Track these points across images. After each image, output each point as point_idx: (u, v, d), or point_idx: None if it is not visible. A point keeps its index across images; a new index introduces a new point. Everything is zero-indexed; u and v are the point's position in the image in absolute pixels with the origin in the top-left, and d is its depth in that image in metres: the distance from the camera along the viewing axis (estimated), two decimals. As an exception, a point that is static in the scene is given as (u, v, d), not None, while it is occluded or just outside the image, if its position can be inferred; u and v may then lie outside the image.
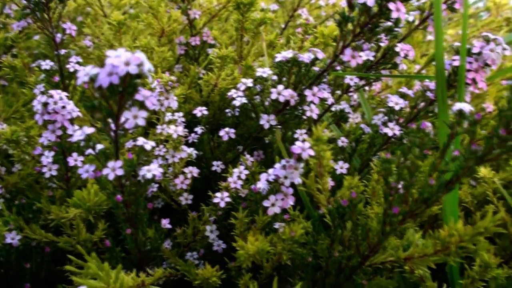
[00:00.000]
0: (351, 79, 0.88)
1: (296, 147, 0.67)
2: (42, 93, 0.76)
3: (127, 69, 0.52)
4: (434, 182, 0.56)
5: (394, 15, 0.65)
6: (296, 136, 0.84)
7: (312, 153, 0.67)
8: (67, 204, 0.84)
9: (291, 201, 0.72)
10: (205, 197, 0.92)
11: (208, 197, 0.87)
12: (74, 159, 0.83)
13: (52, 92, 0.77)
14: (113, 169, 0.63)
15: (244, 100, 0.86)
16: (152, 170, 0.68)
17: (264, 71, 0.80)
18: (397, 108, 0.84)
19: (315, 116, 0.80)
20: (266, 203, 0.71)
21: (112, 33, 1.19)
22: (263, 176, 0.72)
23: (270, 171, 0.73)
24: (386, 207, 0.62)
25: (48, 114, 0.77)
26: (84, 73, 0.55)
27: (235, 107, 0.88)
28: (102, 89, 0.55)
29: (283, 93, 0.77)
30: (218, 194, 0.80)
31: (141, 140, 0.68)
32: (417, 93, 0.86)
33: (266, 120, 0.82)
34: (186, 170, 0.90)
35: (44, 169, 0.83)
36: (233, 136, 0.90)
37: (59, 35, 1.01)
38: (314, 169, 0.69)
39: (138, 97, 0.56)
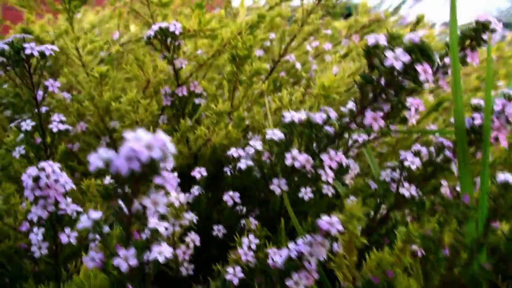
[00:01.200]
0: (359, 135, 0.84)
1: (324, 223, 0.62)
2: (32, 165, 0.68)
3: (150, 154, 0.46)
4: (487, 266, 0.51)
5: (421, 77, 0.61)
6: (301, 195, 0.79)
7: (341, 228, 0.61)
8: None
9: (315, 277, 0.66)
10: (205, 265, 0.85)
11: (209, 265, 0.81)
12: (67, 235, 0.76)
13: (43, 164, 0.69)
14: (126, 258, 0.56)
15: (249, 162, 0.81)
16: (164, 252, 0.61)
17: (274, 133, 0.75)
18: (413, 167, 0.80)
19: (331, 181, 0.75)
20: (289, 283, 0.66)
21: (93, 85, 1.13)
22: (284, 252, 0.66)
23: (292, 246, 0.67)
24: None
25: (39, 189, 0.69)
26: (97, 157, 0.49)
27: (238, 169, 0.82)
28: (118, 175, 0.48)
29: (299, 158, 0.72)
30: (230, 270, 0.73)
31: (153, 222, 0.61)
32: (436, 149, 0.82)
33: (277, 185, 0.77)
34: (187, 238, 0.83)
35: (33, 248, 0.74)
36: (238, 200, 0.84)
37: (40, 93, 0.93)
38: (343, 245, 0.63)
39: (158, 181, 0.50)
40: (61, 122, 0.95)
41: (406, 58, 0.60)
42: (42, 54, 0.88)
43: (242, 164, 0.81)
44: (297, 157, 0.72)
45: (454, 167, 0.80)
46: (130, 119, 1.07)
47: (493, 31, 0.76)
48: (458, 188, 0.82)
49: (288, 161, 0.72)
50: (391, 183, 0.85)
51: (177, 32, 1.07)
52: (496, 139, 0.72)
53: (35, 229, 0.75)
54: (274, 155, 0.76)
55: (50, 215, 0.73)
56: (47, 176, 0.68)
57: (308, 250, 0.64)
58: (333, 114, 0.74)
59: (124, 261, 0.56)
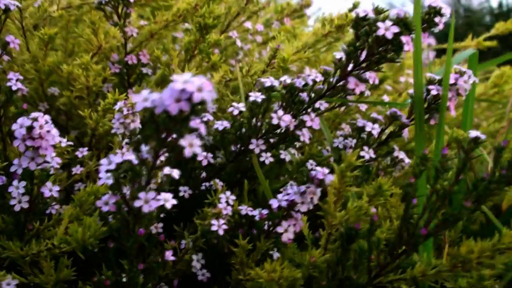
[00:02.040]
0: (320, 104, 0.91)
1: (318, 173, 0.68)
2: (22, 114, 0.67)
3: (202, 96, 0.49)
4: (469, 204, 0.60)
5: (406, 47, 0.69)
6: (282, 156, 0.86)
7: (332, 178, 0.69)
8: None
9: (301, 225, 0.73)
10: (174, 224, 0.88)
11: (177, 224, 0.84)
12: (49, 189, 0.75)
13: (35, 114, 0.68)
14: (147, 200, 0.58)
15: (226, 124, 0.85)
16: (169, 200, 0.64)
17: (257, 96, 0.80)
18: (374, 132, 0.89)
19: (307, 140, 0.82)
20: (280, 229, 0.71)
21: (39, 48, 1.09)
22: (274, 202, 0.72)
23: (280, 196, 0.73)
24: (406, 229, 0.66)
25: (31, 139, 0.68)
26: (143, 98, 0.51)
27: (215, 130, 0.86)
28: (162, 116, 0.51)
29: (284, 118, 0.78)
30: (214, 222, 0.77)
31: (167, 169, 0.63)
32: (387, 117, 0.92)
33: (256, 145, 0.82)
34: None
35: (13, 201, 0.73)
36: (212, 161, 0.88)
37: (-2, 50, 0.89)
38: (334, 194, 0.70)
39: (193, 124, 0.53)
40: (18, 80, 0.92)
41: (396, 29, 0.68)
42: (7, 9, 0.86)
43: (219, 126, 0.85)
44: (282, 117, 0.78)
45: (405, 134, 0.91)
46: (82, 84, 1.06)
47: (443, 15, 0.87)
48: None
49: (275, 121, 0.78)
50: (346, 149, 0.94)
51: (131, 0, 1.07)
52: (448, 108, 0.83)
53: (15, 182, 0.73)
54: (255, 116, 0.81)
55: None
56: (41, 127, 0.68)
57: (299, 199, 0.70)
58: (309, 80, 0.81)
59: (145, 203, 0.58)
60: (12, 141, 0.96)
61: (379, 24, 0.68)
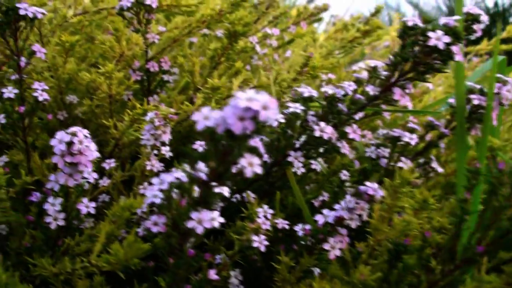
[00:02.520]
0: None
1: (368, 188, 0.66)
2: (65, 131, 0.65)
3: (267, 114, 0.47)
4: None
5: (456, 58, 0.67)
6: (313, 166, 0.84)
7: (382, 194, 0.67)
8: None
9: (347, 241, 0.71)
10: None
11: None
12: (85, 206, 0.73)
13: (74, 129, 0.65)
14: (200, 221, 0.56)
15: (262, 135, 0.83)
16: (216, 218, 0.62)
17: (297, 107, 0.78)
18: (412, 143, 0.87)
19: (347, 152, 0.80)
20: (326, 246, 0.69)
21: (59, 55, 1.07)
22: (320, 218, 0.70)
23: (326, 212, 0.71)
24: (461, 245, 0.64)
25: (71, 155, 0.65)
26: (204, 116, 0.49)
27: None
28: (222, 135, 0.49)
29: (326, 130, 0.76)
30: (255, 237, 0.75)
31: (219, 188, 0.61)
32: (426, 127, 0.90)
33: (294, 157, 0.80)
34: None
35: (48, 219, 0.70)
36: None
37: (23, 59, 0.87)
38: (385, 210, 0.68)
39: (253, 142, 0.51)
40: (43, 90, 0.89)
41: (447, 39, 0.66)
42: (34, 17, 0.83)
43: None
44: (325, 129, 0.76)
45: (441, 144, 0.89)
46: (104, 92, 1.03)
47: (481, 22, 0.85)
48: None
49: (317, 133, 0.76)
50: (381, 159, 0.92)
51: (153, 5, 1.05)
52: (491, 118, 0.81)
53: (50, 198, 0.71)
54: (292, 127, 0.79)
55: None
56: (80, 142, 0.65)
57: (348, 215, 0.68)
58: (349, 90, 0.79)
59: (197, 223, 0.56)
60: (34, 152, 0.94)
61: (430, 34, 0.66)
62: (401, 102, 0.73)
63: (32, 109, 0.89)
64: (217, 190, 0.62)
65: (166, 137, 0.86)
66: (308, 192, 1.02)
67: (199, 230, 0.55)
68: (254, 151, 0.51)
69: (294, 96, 0.83)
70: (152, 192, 0.59)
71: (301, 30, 1.55)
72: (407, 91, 0.74)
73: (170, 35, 1.11)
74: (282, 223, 0.82)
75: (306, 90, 0.79)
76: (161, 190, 0.56)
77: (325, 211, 0.70)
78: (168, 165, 0.97)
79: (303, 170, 0.88)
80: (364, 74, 0.91)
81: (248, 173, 0.51)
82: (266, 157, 0.86)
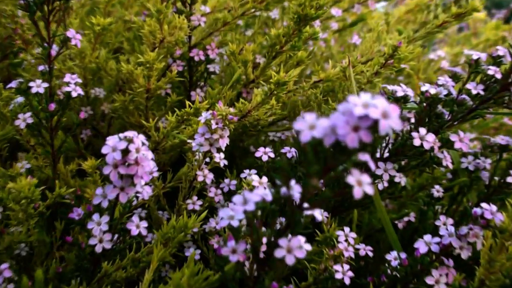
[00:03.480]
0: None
1: (486, 211, 0.66)
2: (119, 137, 0.65)
3: (389, 124, 0.47)
4: None
5: None
6: (397, 179, 0.84)
7: (503, 218, 0.66)
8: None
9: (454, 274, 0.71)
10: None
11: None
12: (136, 225, 0.74)
13: (129, 134, 0.66)
14: (289, 249, 0.56)
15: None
16: (303, 246, 0.62)
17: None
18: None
19: (450, 165, 0.79)
20: (429, 280, 0.69)
21: (88, 41, 1.08)
22: (421, 246, 0.70)
23: (428, 238, 0.70)
24: None
25: (125, 166, 0.66)
26: (309, 124, 0.49)
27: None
28: (329, 148, 0.49)
29: (428, 138, 0.75)
30: (338, 268, 0.75)
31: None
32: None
33: (384, 170, 0.80)
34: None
35: (93, 241, 0.71)
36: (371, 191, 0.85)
37: (55, 47, 0.88)
38: (504, 238, 0.68)
39: (363, 157, 0.51)
40: (76, 84, 0.90)
41: None
42: (69, -2, 0.85)
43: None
44: (426, 137, 0.75)
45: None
46: (142, 86, 1.04)
47: None
48: None
49: (417, 142, 0.75)
50: (482, 172, 0.91)
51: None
52: None
53: (95, 216, 0.71)
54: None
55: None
56: (137, 150, 0.66)
57: (458, 243, 0.67)
58: (453, 91, 0.79)
59: (287, 252, 0.56)
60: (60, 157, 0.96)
61: None
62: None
63: (63, 106, 0.90)
64: (308, 212, 0.62)
65: (224, 143, 0.86)
66: (389, 211, 1.02)
67: (290, 260, 0.55)
68: (362, 166, 0.51)
69: (383, 96, 0.83)
70: (228, 213, 0.60)
71: (368, 10, 1.55)
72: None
73: (218, 16, 1.12)
74: (365, 249, 0.83)
75: (400, 89, 0.79)
76: (245, 211, 0.56)
77: (427, 236, 0.70)
78: (219, 175, 0.98)
79: (385, 184, 0.87)
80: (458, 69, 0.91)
81: (357, 193, 0.51)
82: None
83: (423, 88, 0.77)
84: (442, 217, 0.82)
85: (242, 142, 1.17)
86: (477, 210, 0.66)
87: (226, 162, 0.92)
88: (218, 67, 1.17)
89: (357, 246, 0.82)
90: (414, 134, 0.75)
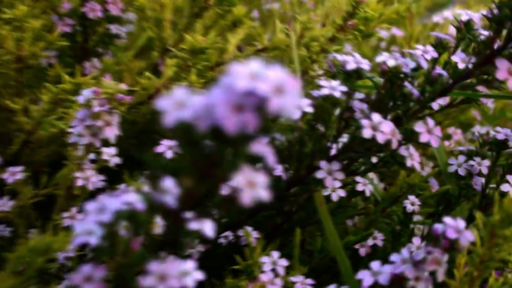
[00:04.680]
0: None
1: (449, 228, 0.68)
2: None
3: (282, 103, 0.48)
4: None
5: None
6: (359, 187, 0.86)
7: (472, 238, 0.68)
8: None
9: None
10: None
11: None
12: None
13: None
14: (163, 276, 0.58)
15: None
16: (190, 273, 0.64)
17: (334, 87, 0.79)
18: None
19: (417, 166, 0.82)
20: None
21: None
22: (366, 277, 0.72)
23: (376, 266, 0.73)
24: None
25: None
26: (177, 102, 0.51)
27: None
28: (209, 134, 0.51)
29: (382, 128, 0.77)
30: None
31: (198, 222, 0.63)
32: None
33: (327, 171, 0.82)
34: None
35: None
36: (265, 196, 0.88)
37: None
38: (475, 266, 0.70)
39: (257, 148, 0.53)
40: None
41: None
42: None
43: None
44: (380, 126, 0.77)
45: None
46: (11, 53, 1.05)
47: None
48: None
49: (367, 132, 0.77)
50: (475, 178, 0.94)
51: None
52: None
53: None
54: (326, 122, 0.81)
55: None
56: None
57: (412, 273, 0.70)
58: (423, 61, 0.81)
59: (160, 281, 0.58)
60: None
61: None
62: (509, 84, 0.75)
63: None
64: (194, 225, 0.64)
65: (112, 132, 0.87)
66: (349, 231, 1.04)
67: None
68: (257, 161, 0.53)
69: (331, 69, 0.85)
70: (86, 226, 0.61)
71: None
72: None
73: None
74: (302, 284, 0.84)
75: (352, 59, 0.81)
76: (101, 223, 0.58)
77: (375, 264, 0.72)
78: (113, 179, 0.99)
79: (341, 193, 0.89)
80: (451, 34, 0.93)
81: (246, 198, 0.53)
82: (279, 170, 0.88)
83: (378, 59, 0.79)
84: (416, 240, 0.85)
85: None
86: (438, 227, 0.69)
87: (118, 161, 0.93)
88: (125, 29, 1.18)
89: (292, 279, 0.83)
90: (364, 122, 0.77)
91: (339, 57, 0.82)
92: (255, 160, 0.53)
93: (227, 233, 0.94)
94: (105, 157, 0.93)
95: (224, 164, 0.53)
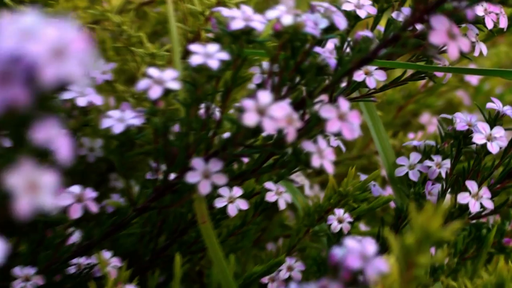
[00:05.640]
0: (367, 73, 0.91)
1: (350, 254, 0.67)
2: None
3: (62, 71, 0.47)
4: None
5: None
6: (269, 198, 0.86)
7: (385, 268, 0.68)
8: None
9: None
10: None
11: None
12: None
13: None
14: None
15: (132, 119, 0.85)
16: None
17: (211, 54, 0.79)
18: (492, 148, 0.89)
19: (330, 170, 0.81)
20: None
21: None
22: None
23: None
24: None
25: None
26: None
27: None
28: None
29: (273, 112, 0.76)
30: None
31: None
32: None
33: (203, 173, 0.81)
34: None
35: None
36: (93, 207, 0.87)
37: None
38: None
39: (41, 135, 0.52)
40: None
41: None
42: None
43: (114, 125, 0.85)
44: (269, 110, 0.76)
45: None
46: None
47: None
48: None
49: (251, 118, 0.76)
50: (428, 185, 0.94)
51: None
52: None
53: None
54: (201, 102, 0.81)
55: None
56: None
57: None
58: (342, 21, 0.80)
59: None
60: None
61: None
62: (450, 49, 0.74)
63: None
64: None
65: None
66: (258, 259, 1.04)
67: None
68: (44, 154, 0.52)
69: (214, 29, 0.85)
70: None
71: None
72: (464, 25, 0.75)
73: None
74: None
75: (240, 15, 0.80)
76: None
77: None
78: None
79: (243, 205, 0.89)
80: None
81: (23, 208, 0.52)
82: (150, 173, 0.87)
83: (270, 14, 0.78)
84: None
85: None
86: (336, 253, 0.68)
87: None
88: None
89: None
90: (247, 103, 0.76)
91: (225, 11, 0.81)
92: (41, 153, 0.52)
93: (81, 259, 0.94)
94: None
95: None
